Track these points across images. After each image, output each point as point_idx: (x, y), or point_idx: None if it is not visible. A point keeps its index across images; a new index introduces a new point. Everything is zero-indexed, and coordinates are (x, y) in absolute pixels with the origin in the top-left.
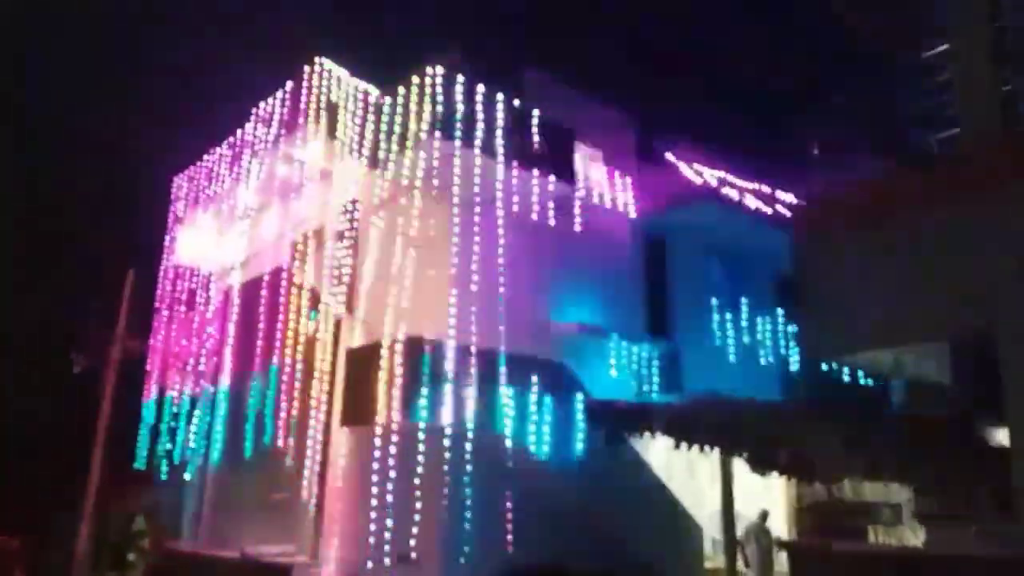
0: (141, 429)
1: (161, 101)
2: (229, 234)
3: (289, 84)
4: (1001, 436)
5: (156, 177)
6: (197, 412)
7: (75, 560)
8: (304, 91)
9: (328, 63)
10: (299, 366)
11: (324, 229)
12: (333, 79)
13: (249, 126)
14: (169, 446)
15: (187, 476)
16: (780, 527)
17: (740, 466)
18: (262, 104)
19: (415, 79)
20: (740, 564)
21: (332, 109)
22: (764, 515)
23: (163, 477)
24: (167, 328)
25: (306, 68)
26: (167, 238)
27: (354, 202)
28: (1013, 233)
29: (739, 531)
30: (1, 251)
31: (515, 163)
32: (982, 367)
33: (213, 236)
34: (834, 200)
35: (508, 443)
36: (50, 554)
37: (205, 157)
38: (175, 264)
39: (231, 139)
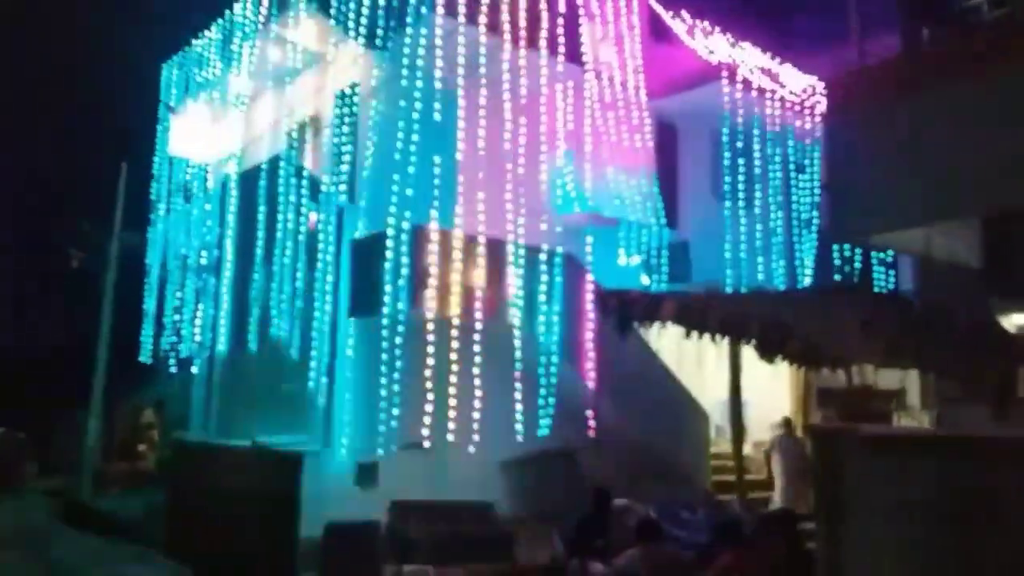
0: (145, 323)
1: None
2: (223, 123)
3: None
4: (1017, 319)
5: (146, 65)
6: (200, 305)
7: (84, 453)
8: None
9: None
10: (302, 257)
11: (321, 115)
12: None
13: (239, 6)
14: (174, 339)
15: (194, 369)
16: (787, 413)
17: (748, 354)
18: None
19: None
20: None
21: None
22: (787, 423)
23: (170, 370)
24: (165, 221)
25: None
26: (159, 129)
27: (353, 86)
28: None
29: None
30: None
31: (522, 42)
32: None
33: (207, 125)
34: (868, 71)
35: (516, 332)
36: (59, 448)
37: (194, 42)
38: (169, 156)
39: (220, 21)
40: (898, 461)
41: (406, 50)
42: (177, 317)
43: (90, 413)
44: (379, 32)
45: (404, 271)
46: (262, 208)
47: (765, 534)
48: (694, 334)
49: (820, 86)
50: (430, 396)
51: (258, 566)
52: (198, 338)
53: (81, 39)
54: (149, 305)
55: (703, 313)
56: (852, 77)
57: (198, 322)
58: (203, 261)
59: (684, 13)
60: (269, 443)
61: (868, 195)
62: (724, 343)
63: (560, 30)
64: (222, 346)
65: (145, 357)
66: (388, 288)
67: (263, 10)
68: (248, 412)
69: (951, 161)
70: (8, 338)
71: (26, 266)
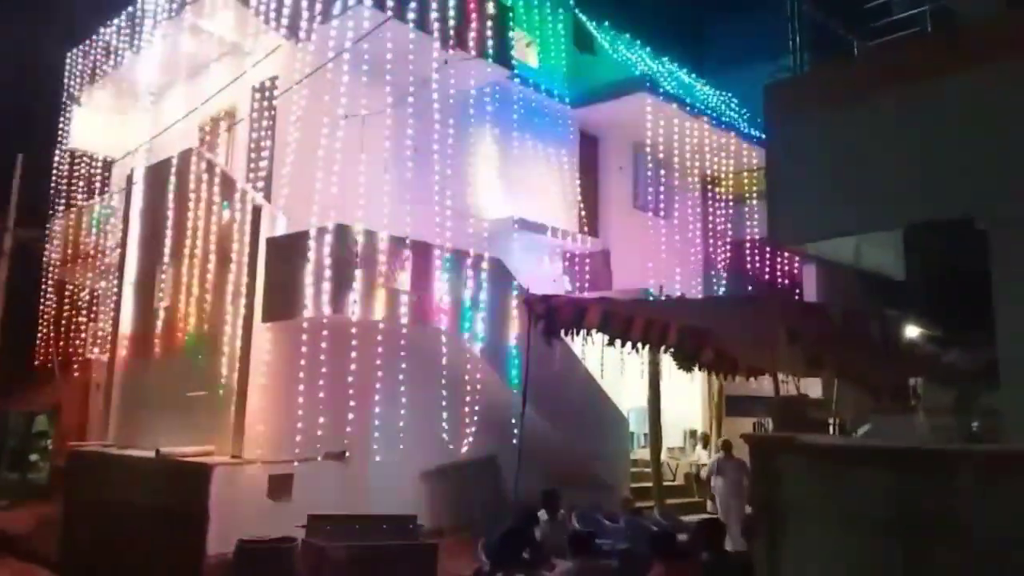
0: (41, 325)
1: None
2: (130, 115)
3: None
4: (909, 331)
5: (49, 53)
6: (102, 307)
7: None
8: None
9: None
10: (212, 257)
11: (237, 109)
12: None
13: None
14: (73, 342)
15: (92, 374)
16: (698, 421)
17: (665, 362)
18: None
19: None
20: (709, 504)
21: None
22: (727, 445)
23: (67, 375)
24: (65, 216)
25: None
26: (61, 119)
27: (272, 78)
28: (991, 110)
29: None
30: None
31: (450, 42)
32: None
33: (113, 117)
34: (808, 78)
35: (443, 338)
36: None
37: (102, 30)
38: (71, 148)
39: (130, 8)
40: (837, 471)
41: (331, 42)
42: (77, 318)
43: None
44: (302, 23)
45: (326, 272)
46: (170, 205)
47: (697, 544)
48: (617, 342)
49: (733, 102)
50: (352, 403)
51: None
52: (97, 340)
53: None
54: (46, 305)
55: (627, 321)
56: (787, 86)
57: (99, 324)
58: (106, 259)
59: (606, 25)
60: (175, 453)
61: (804, 204)
62: (644, 351)
63: (489, 32)
64: (124, 351)
65: (40, 360)
66: (309, 291)
67: None
68: (152, 420)
69: (877, 174)
70: None
71: None
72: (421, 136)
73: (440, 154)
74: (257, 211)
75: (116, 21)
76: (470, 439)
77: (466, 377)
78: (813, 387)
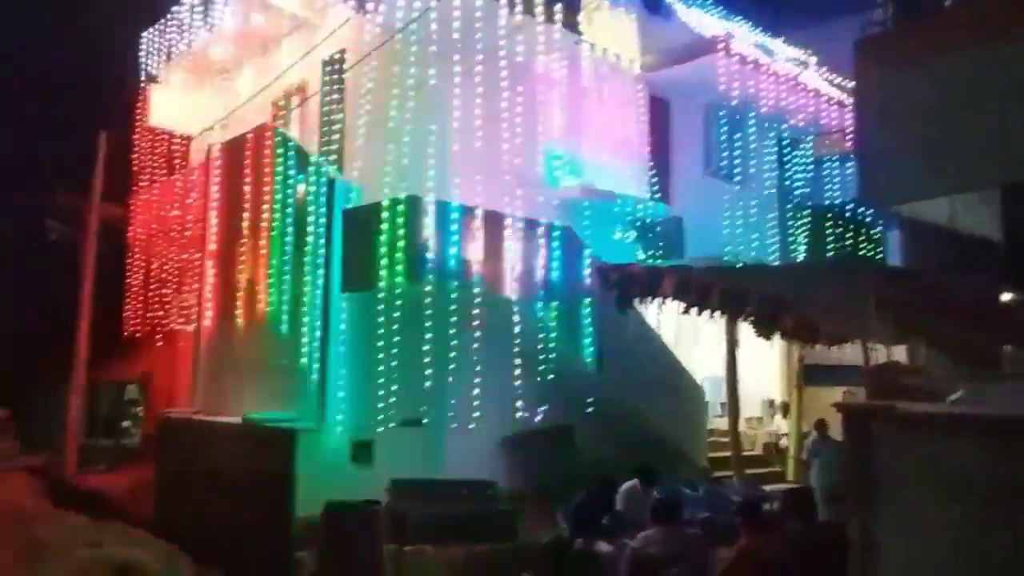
0: (129, 298)
1: None
2: (206, 92)
3: None
4: (1003, 296)
5: (126, 33)
6: (185, 279)
7: (67, 429)
8: None
9: None
10: (290, 229)
11: (308, 83)
12: None
13: None
14: (159, 313)
15: (180, 344)
16: (776, 390)
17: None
18: None
19: None
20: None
21: None
22: (822, 425)
23: (155, 345)
24: (147, 193)
25: None
26: (140, 98)
27: (342, 51)
28: None
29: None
30: None
31: (518, 8)
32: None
33: (189, 95)
34: (902, 31)
35: (515, 308)
36: (42, 424)
37: (175, 8)
38: (151, 126)
39: None
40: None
41: (399, 13)
42: (163, 291)
43: (72, 389)
44: None
45: (400, 243)
46: (248, 179)
47: (785, 513)
48: (693, 310)
49: (812, 61)
50: (428, 372)
51: (253, 545)
52: (183, 312)
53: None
54: (133, 279)
55: (705, 288)
56: (880, 40)
57: (183, 296)
58: (188, 233)
59: None
60: (261, 419)
61: (899, 162)
62: (721, 319)
63: None
64: (208, 321)
65: (129, 332)
66: (383, 261)
67: None
68: (238, 387)
69: (976, 130)
70: None
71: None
72: (490, 105)
73: (509, 123)
74: (331, 184)
75: (189, 1)
76: (545, 408)
77: (539, 347)
78: (898, 354)
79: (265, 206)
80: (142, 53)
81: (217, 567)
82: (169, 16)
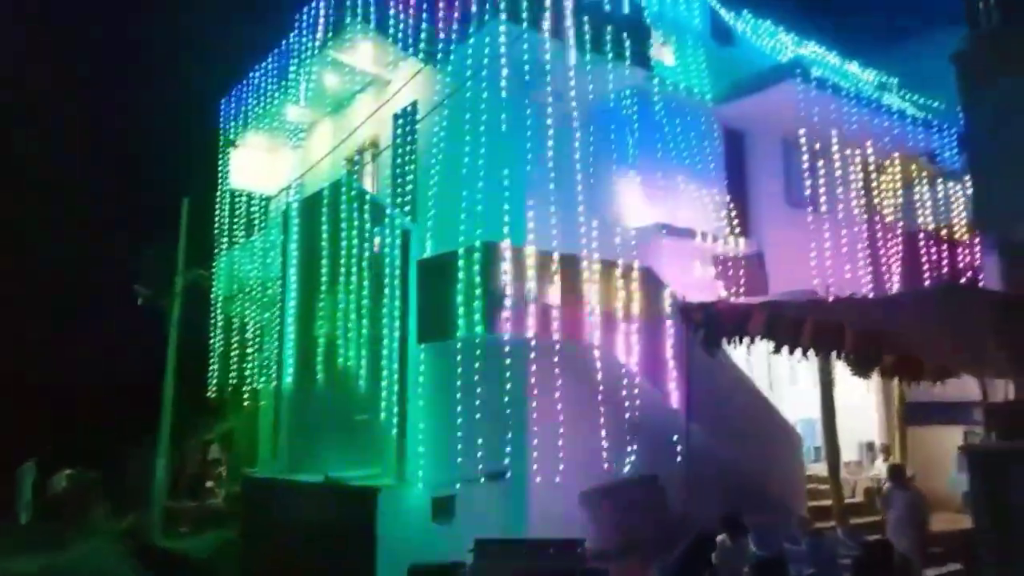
0: (212, 358)
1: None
2: (283, 152)
3: None
4: None
5: (206, 101)
6: (267, 337)
7: (154, 490)
8: None
9: None
10: (367, 283)
11: (380, 137)
12: None
13: (294, 35)
14: (241, 373)
15: (261, 403)
16: (875, 432)
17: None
18: (305, 9)
19: None
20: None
21: (381, 4)
22: (897, 472)
23: (237, 404)
24: (228, 254)
25: None
26: (220, 163)
27: (413, 103)
28: None
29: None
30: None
31: (587, 48)
32: None
33: (266, 156)
34: (1009, 39)
35: (597, 352)
36: (128, 484)
37: (251, 75)
38: (231, 189)
39: (276, 51)
40: None
41: (469, 61)
42: (244, 351)
43: (158, 450)
44: (439, 46)
45: (477, 291)
46: (325, 235)
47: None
48: (784, 349)
49: (893, 82)
50: (509, 422)
51: None
52: (264, 370)
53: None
54: (215, 340)
55: (795, 325)
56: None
57: (264, 354)
58: (268, 292)
59: (745, 13)
60: (341, 477)
61: (1015, 183)
62: (814, 358)
63: (624, 33)
64: (289, 378)
65: (212, 391)
66: (460, 310)
67: (319, 36)
68: (318, 445)
69: None
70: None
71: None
72: (562, 146)
73: (582, 163)
74: (406, 235)
75: (264, 64)
76: (632, 458)
77: (623, 393)
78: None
79: (342, 261)
80: (221, 118)
81: None
82: (246, 81)
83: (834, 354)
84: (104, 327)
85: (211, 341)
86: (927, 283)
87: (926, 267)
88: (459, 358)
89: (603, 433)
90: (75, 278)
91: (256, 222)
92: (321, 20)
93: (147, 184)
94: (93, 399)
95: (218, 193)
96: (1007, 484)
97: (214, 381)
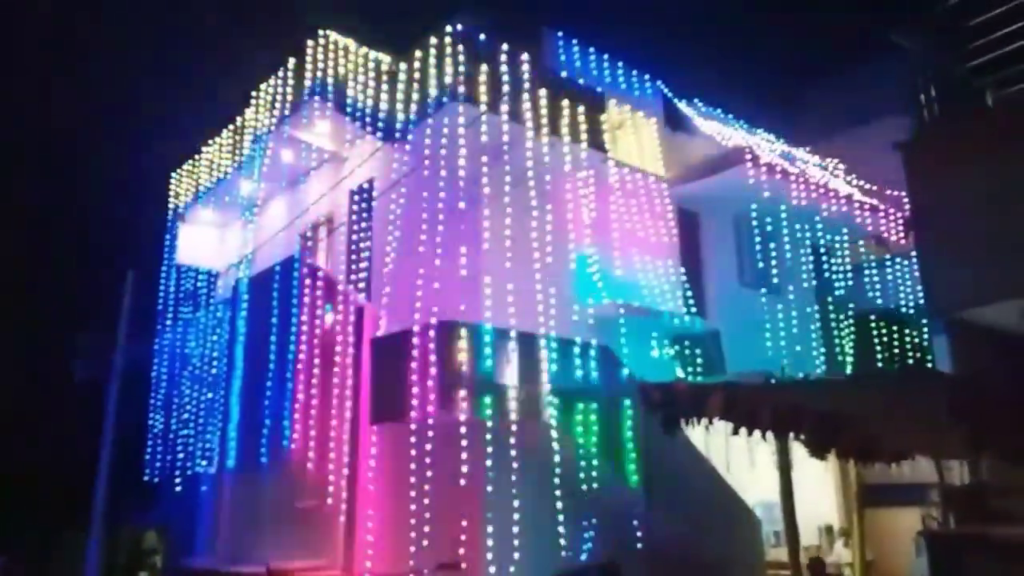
0: (149, 440)
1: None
2: (233, 228)
3: (291, 61)
4: None
5: (154, 174)
6: (210, 418)
7: None
8: (309, 67)
9: (333, 35)
10: (316, 362)
11: (335, 214)
12: (340, 51)
13: (250, 112)
14: (180, 456)
15: (202, 488)
16: (833, 515)
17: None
18: (263, 86)
19: (433, 39)
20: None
21: (340, 83)
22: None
23: (175, 490)
24: (172, 331)
25: (309, 42)
26: (167, 236)
27: (370, 181)
28: None
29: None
30: None
31: (545, 130)
32: None
33: (216, 231)
34: (950, 131)
35: (554, 433)
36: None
37: (204, 149)
38: (177, 263)
39: (231, 127)
40: None
41: (427, 140)
42: (184, 432)
43: (90, 536)
44: (397, 125)
45: (432, 370)
46: (275, 311)
47: None
48: (742, 430)
49: (839, 168)
50: (464, 509)
51: None
52: (205, 454)
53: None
54: (155, 420)
55: (754, 406)
56: (927, 140)
57: (206, 437)
58: (213, 371)
59: (697, 102)
60: (284, 568)
61: (964, 265)
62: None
63: (581, 117)
64: (231, 461)
65: (150, 476)
66: (415, 390)
67: (275, 113)
68: (261, 534)
69: None
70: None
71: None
72: (519, 226)
73: (539, 241)
74: (359, 312)
75: (218, 139)
76: (589, 543)
77: (581, 475)
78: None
79: (292, 339)
80: (171, 192)
81: None
82: (198, 155)
83: (791, 435)
84: (39, 405)
85: (150, 422)
86: (879, 363)
87: (878, 347)
88: (413, 440)
89: (560, 518)
90: (8, 351)
91: (202, 298)
92: (279, 97)
93: (93, 257)
94: (21, 480)
95: (163, 268)
96: (965, 569)
97: (153, 464)
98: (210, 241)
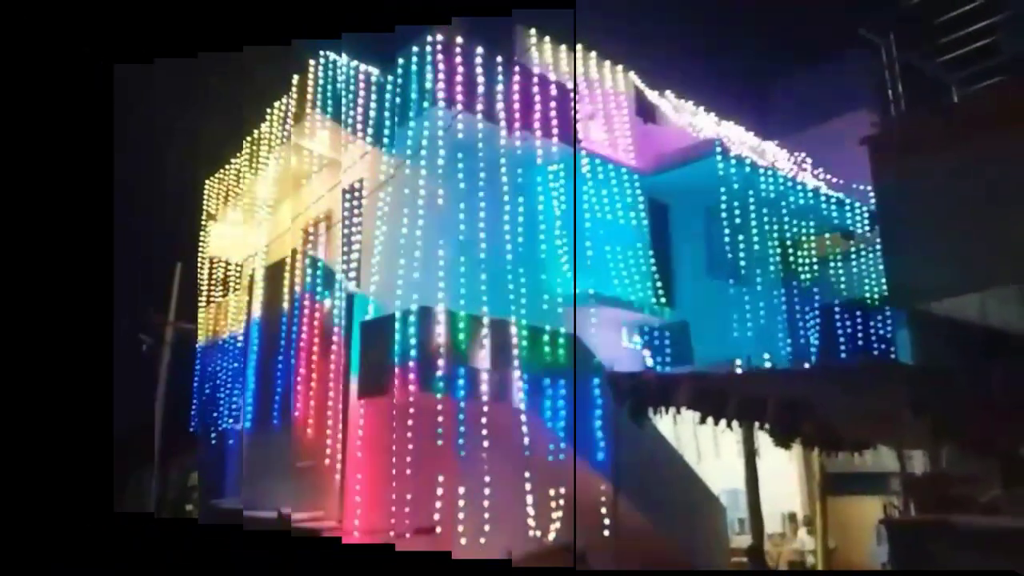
0: (193, 399)
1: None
2: (252, 225)
3: (296, 79)
4: None
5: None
6: (235, 384)
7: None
8: (310, 85)
9: (332, 54)
10: (316, 341)
11: (333, 211)
12: (337, 68)
13: (265, 125)
14: (214, 414)
15: (229, 441)
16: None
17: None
18: (276, 104)
19: (414, 49)
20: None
21: (338, 97)
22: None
23: (211, 442)
24: (207, 310)
25: (311, 62)
26: (203, 233)
27: (360, 181)
28: None
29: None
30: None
31: (517, 126)
32: None
33: (239, 228)
34: (916, 126)
35: (523, 418)
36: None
37: (232, 160)
38: (209, 255)
39: (249, 138)
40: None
41: (409, 142)
42: (217, 395)
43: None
44: (384, 130)
45: (412, 352)
46: (284, 298)
47: None
48: (709, 419)
49: (807, 162)
50: (440, 480)
51: None
52: (232, 414)
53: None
54: (197, 382)
55: (721, 396)
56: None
57: (233, 399)
58: (238, 344)
59: (668, 93)
60: (292, 516)
61: (926, 260)
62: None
63: (553, 112)
64: (248, 423)
65: (194, 428)
66: (396, 370)
67: (286, 125)
68: (274, 484)
69: (1008, 222)
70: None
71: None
72: (493, 218)
73: (511, 233)
74: (351, 299)
75: (242, 152)
76: (557, 525)
77: (549, 459)
78: (918, 458)
79: (297, 320)
80: (205, 196)
81: None
82: (228, 165)
83: (756, 424)
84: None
85: (195, 383)
86: (843, 354)
87: (842, 338)
88: (394, 413)
89: (529, 500)
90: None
91: (232, 284)
92: (288, 112)
93: (144, 250)
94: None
95: (199, 259)
96: (926, 556)
97: (196, 418)
98: (235, 236)
